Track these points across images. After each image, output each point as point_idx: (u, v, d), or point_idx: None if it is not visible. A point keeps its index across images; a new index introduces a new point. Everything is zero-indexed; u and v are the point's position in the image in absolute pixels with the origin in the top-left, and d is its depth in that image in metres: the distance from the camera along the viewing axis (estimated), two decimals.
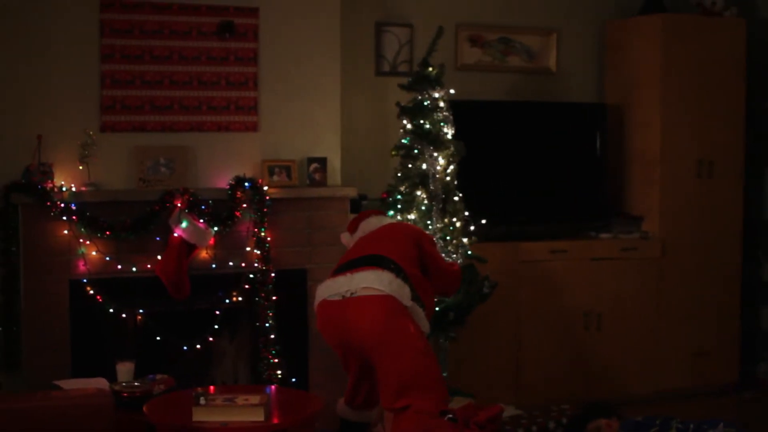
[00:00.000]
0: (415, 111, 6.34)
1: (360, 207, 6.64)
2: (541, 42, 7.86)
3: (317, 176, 6.53)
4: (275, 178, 6.42)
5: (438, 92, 6.36)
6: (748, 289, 7.96)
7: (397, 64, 7.37)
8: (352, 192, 6.59)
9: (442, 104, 6.36)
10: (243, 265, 6.31)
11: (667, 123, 7.51)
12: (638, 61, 7.67)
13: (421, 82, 6.37)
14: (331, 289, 5.05)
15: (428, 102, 6.32)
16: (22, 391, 5.67)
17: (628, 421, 5.70)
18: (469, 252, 6.30)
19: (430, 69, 6.38)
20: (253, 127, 6.47)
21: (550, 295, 7.20)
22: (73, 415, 4.45)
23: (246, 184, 6.22)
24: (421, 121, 6.31)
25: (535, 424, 6.01)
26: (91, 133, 6.07)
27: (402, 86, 6.47)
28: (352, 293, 4.94)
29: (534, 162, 7.50)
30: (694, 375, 7.66)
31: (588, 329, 7.31)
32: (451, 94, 6.46)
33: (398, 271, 5.01)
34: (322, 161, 6.55)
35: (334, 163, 6.63)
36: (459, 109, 6.93)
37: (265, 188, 6.27)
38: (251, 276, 6.29)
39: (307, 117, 6.58)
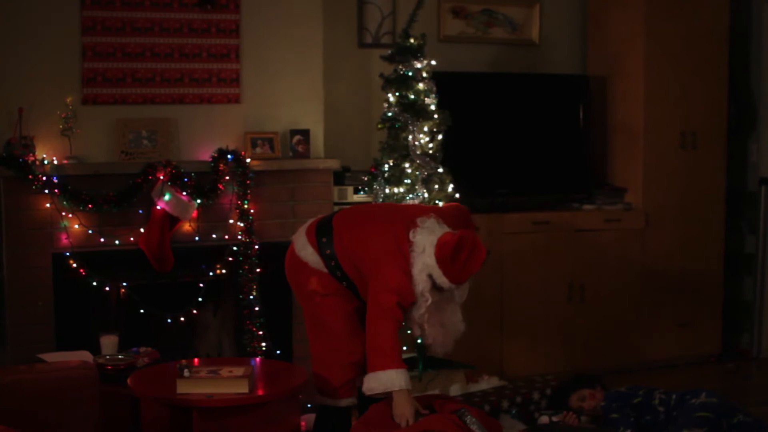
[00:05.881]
0: (398, 82, 6.32)
1: (343, 179, 6.64)
2: (524, 13, 7.84)
3: (300, 148, 6.52)
4: (258, 150, 6.40)
5: (420, 63, 6.34)
6: (731, 259, 7.98)
7: (380, 36, 7.34)
8: (335, 164, 6.58)
9: (425, 74, 6.33)
10: (226, 237, 6.31)
11: (650, 94, 7.50)
12: (621, 32, 7.65)
13: (403, 53, 6.34)
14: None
15: (411, 73, 6.30)
16: (6, 365, 5.66)
17: (612, 392, 5.72)
18: None
19: (412, 40, 6.35)
20: (236, 99, 6.45)
21: (534, 266, 7.21)
22: (57, 388, 4.46)
23: (229, 156, 6.20)
24: (405, 93, 6.29)
25: (519, 395, 6.01)
26: (72, 105, 6.04)
27: (384, 57, 6.45)
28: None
29: (517, 134, 7.49)
30: (678, 345, 7.68)
31: (571, 300, 7.33)
32: (433, 65, 6.42)
33: (324, 247, 5.05)
34: (305, 133, 6.53)
35: (317, 135, 6.61)
36: (442, 81, 6.90)
37: (248, 160, 6.25)
38: (234, 248, 6.28)
39: (290, 89, 6.56)
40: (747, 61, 8.04)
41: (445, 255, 4.75)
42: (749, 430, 5.26)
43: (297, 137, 6.50)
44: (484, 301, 7.01)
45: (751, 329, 8.04)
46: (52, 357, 5.43)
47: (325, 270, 5.04)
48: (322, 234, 5.05)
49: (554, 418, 5.80)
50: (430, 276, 4.80)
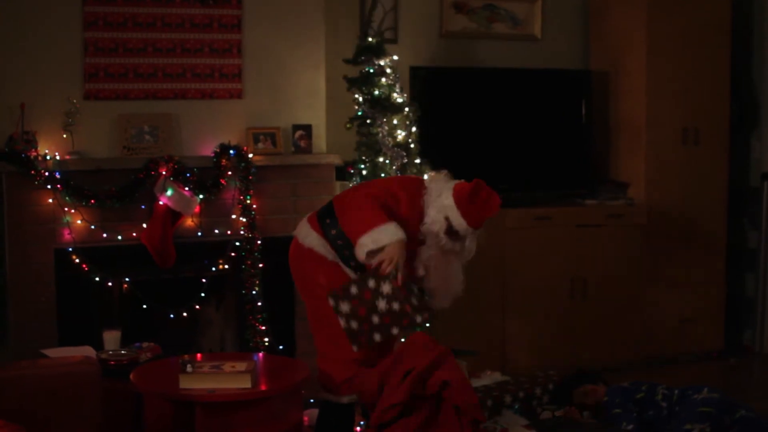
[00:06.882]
0: (361, 81, 6.41)
1: (345, 174, 6.63)
2: (526, 9, 7.83)
3: (302, 143, 6.52)
4: (260, 145, 6.40)
5: (383, 60, 6.40)
6: (734, 255, 7.97)
7: (382, 31, 7.32)
8: (337, 159, 6.59)
9: (388, 70, 6.40)
10: (229, 232, 6.30)
11: (653, 90, 7.49)
12: (623, 28, 7.65)
13: (364, 53, 6.43)
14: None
15: (373, 70, 6.37)
16: (9, 361, 5.66)
17: (614, 387, 5.72)
18: None
19: (370, 39, 6.44)
20: (238, 95, 6.45)
21: (536, 262, 7.21)
22: (60, 383, 4.46)
23: (231, 151, 6.20)
24: (371, 90, 6.36)
25: (521, 390, 6.01)
26: (74, 101, 6.04)
27: (347, 60, 6.50)
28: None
29: (519, 129, 7.49)
30: (680, 341, 7.67)
31: (574, 296, 7.33)
32: (395, 60, 6.49)
33: (328, 228, 5.00)
34: (307, 128, 6.53)
35: (319, 131, 6.61)
36: (444, 77, 6.94)
37: (250, 156, 6.26)
38: (237, 243, 6.28)
39: (292, 84, 6.56)
40: (749, 56, 8.03)
41: (463, 196, 4.77)
42: (751, 425, 5.26)
43: (299, 132, 6.51)
44: (486, 296, 7.01)
45: (753, 325, 8.03)
46: (54, 352, 5.43)
47: (332, 254, 5.00)
48: (324, 217, 5.03)
49: (556, 413, 5.81)
50: (447, 218, 4.82)
